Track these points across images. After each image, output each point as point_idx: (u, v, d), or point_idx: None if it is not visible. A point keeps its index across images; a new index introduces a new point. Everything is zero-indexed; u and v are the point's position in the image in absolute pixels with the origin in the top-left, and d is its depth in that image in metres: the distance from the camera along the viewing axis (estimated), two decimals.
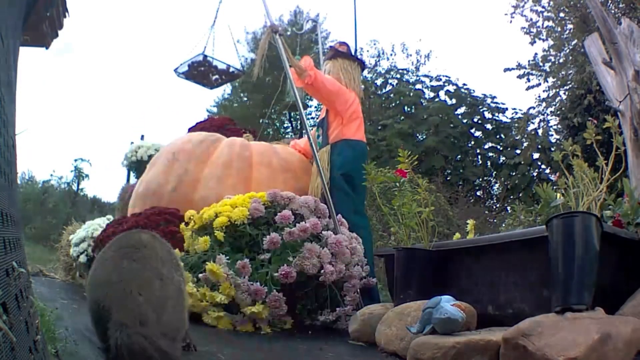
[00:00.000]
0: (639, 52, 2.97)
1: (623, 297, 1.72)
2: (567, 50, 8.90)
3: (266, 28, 3.76)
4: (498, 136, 10.82)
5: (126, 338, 1.21)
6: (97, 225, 4.18)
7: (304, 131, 3.89)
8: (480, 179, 10.69)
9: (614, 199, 2.09)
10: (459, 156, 10.68)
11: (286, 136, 14.35)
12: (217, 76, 4.83)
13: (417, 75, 12.82)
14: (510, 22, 9.50)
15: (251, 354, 1.95)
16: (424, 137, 10.53)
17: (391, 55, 13.93)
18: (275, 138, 12.17)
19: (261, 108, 15.84)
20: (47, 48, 2.60)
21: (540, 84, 9.53)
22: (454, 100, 11.21)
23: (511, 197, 9.70)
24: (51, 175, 14.40)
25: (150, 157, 5.37)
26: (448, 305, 1.78)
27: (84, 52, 32.00)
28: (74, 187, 14.05)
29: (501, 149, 10.52)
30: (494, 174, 10.63)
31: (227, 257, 2.58)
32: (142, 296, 1.34)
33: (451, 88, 11.31)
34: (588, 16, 7.62)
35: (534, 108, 9.77)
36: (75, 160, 13.71)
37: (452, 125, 10.64)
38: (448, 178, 10.11)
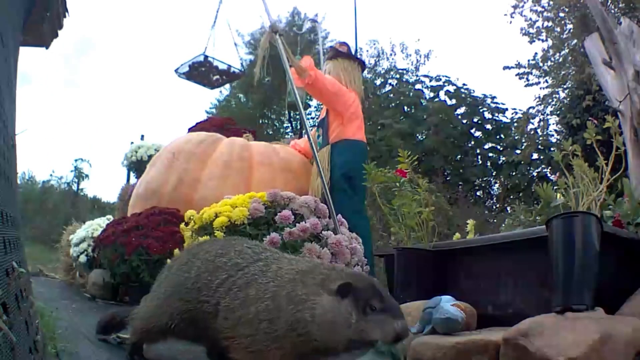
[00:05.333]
0: (639, 52, 2.97)
1: (623, 297, 1.72)
2: (567, 50, 8.91)
3: (266, 28, 3.76)
4: (498, 136, 10.82)
5: None
6: (97, 225, 4.18)
7: (304, 131, 3.89)
8: (480, 179, 10.69)
9: (614, 199, 2.08)
10: (459, 156, 10.68)
11: (286, 136, 14.35)
12: (217, 76, 4.84)
13: (417, 75, 12.83)
14: (510, 22, 9.51)
15: None
16: (424, 137, 10.53)
17: (391, 55, 13.96)
18: (275, 138, 12.20)
19: (260, 108, 15.84)
20: (47, 48, 2.59)
21: (539, 83, 9.55)
22: (453, 101, 11.21)
23: (511, 197, 9.70)
24: (51, 175, 14.43)
25: (150, 157, 5.38)
26: (448, 305, 1.78)
27: (85, 53, 32.00)
28: (74, 187, 14.08)
29: (501, 149, 10.52)
30: (493, 174, 10.63)
31: None
32: None
33: (451, 88, 11.30)
34: (588, 16, 7.62)
35: (533, 108, 9.79)
36: (76, 160, 13.75)
37: (452, 125, 10.64)
38: (448, 178, 10.11)
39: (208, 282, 1.45)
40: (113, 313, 2.02)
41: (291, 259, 1.47)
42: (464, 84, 11.35)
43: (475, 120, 10.96)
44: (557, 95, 9.30)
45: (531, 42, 9.32)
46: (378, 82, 12.84)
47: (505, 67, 9.82)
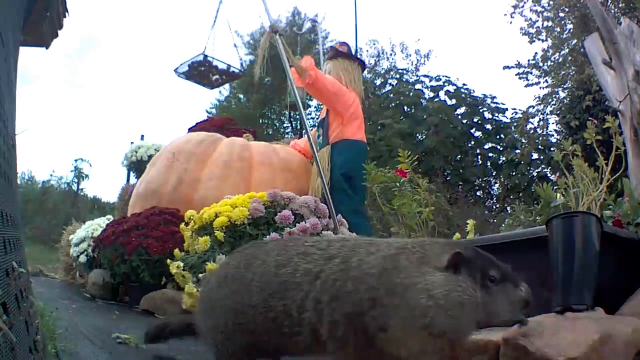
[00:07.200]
0: (639, 52, 2.97)
1: (623, 297, 1.72)
2: (567, 50, 8.91)
3: (266, 28, 3.76)
4: (498, 136, 10.82)
5: None
6: (97, 225, 4.18)
7: (304, 131, 3.89)
8: (480, 179, 10.69)
9: (614, 199, 2.08)
10: (459, 156, 10.69)
11: (286, 136, 14.36)
12: (217, 76, 4.84)
13: (417, 75, 12.83)
14: (510, 22, 9.51)
15: None
16: (424, 137, 10.54)
17: (391, 55, 13.96)
18: (275, 138, 12.20)
19: (260, 108, 15.84)
20: (47, 48, 2.60)
21: (539, 83, 9.55)
22: (453, 101, 11.21)
23: (511, 197, 9.70)
24: (51, 175, 14.46)
25: (150, 157, 5.38)
26: None
27: (85, 53, 32.01)
28: (74, 187, 14.10)
29: (501, 149, 10.53)
30: (493, 174, 10.63)
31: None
32: None
33: (451, 88, 11.31)
34: (588, 16, 7.62)
35: (533, 107, 9.80)
36: (75, 160, 13.77)
37: (452, 125, 10.64)
38: (448, 178, 10.11)
39: (284, 308, 1.15)
40: (164, 322, 1.74)
41: (366, 247, 1.16)
42: (464, 84, 11.36)
43: (475, 120, 10.97)
44: (557, 95, 9.30)
45: (531, 42, 9.32)
46: (378, 82, 12.84)
47: (505, 67, 9.83)
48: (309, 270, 1.14)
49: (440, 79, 11.53)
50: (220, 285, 1.31)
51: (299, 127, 12.05)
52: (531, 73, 9.61)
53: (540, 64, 9.46)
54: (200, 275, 2.59)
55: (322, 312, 1.08)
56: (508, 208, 8.67)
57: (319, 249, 1.19)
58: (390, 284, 1.03)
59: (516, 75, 9.72)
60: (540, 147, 9.55)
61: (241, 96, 16.15)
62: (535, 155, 9.68)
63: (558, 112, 8.95)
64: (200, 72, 4.74)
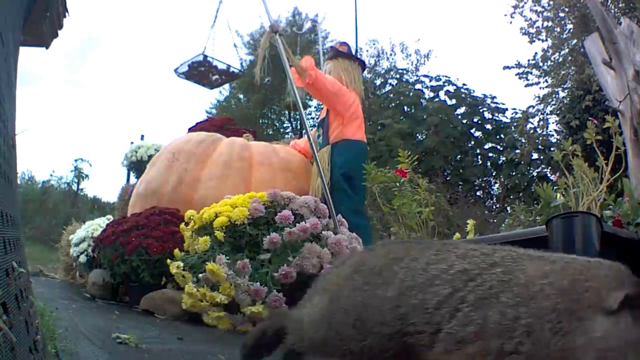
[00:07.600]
0: (639, 52, 2.97)
1: None
2: (567, 50, 8.93)
3: (266, 28, 3.76)
4: (498, 136, 10.83)
5: None
6: (97, 225, 4.18)
7: (304, 131, 3.89)
8: (480, 179, 10.70)
9: (614, 199, 2.09)
10: (459, 156, 10.70)
11: (286, 136, 14.36)
12: (217, 76, 4.84)
13: (417, 75, 12.84)
14: (510, 22, 9.52)
15: None
16: (424, 137, 10.55)
17: (391, 55, 13.97)
18: (275, 138, 12.20)
19: (260, 108, 15.85)
20: (47, 48, 2.60)
21: (539, 82, 9.57)
22: (453, 101, 11.22)
23: (511, 197, 9.71)
24: (51, 175, 14.47)
25: (150, 157, 5.38)
26: None
27: (85, 53, 32.04)
28: (74, 187, 14.11)
29: (501, 149, 10.53)
30: (493, 173, 10.64)
31: (227, 257, 2.58)
32: None
33: (451, 88, 11.32)
34: (588, 16, 7.63)
35: (533, 107, 9.81)
36: (75, 160, 13.78)
37: (452, 125, 10.66)
38: (448, 178, 10.12)
39: (421, 302, 1.03)
40: (259, 330, 1.43)
41: (539, 264, 1.03)
42: (464, 84, 11.38)
43: (475, 120, 10.98)
44: (557, 95, 9.32)
45: (531, 42, 9.34)
46: (378, 82, 12.86)
47: (505, 67, 9.85)
48: (465, 271, 1.04)
49: (440, 79, 11.54)
50: (355, 272, 1.18)
51: (299, 127, 12.05)
52: (531, 73, 9.63)
53: (540, 64, 9.47)
54: (200, 275, 2.59)
55: (460, 310, 0.99)
56: (508, 208, 8.67)
57: (482, 253, 1.10)
58: (558, 329, 0.91)
59: (516, 75, 9.74)
60: (540, 147, 9.56)
61: (241, 96, 16.14)
62: (535, 155, 9.69)
63: (558, 112, 8.96)
64: (200, 72, 4.74)
